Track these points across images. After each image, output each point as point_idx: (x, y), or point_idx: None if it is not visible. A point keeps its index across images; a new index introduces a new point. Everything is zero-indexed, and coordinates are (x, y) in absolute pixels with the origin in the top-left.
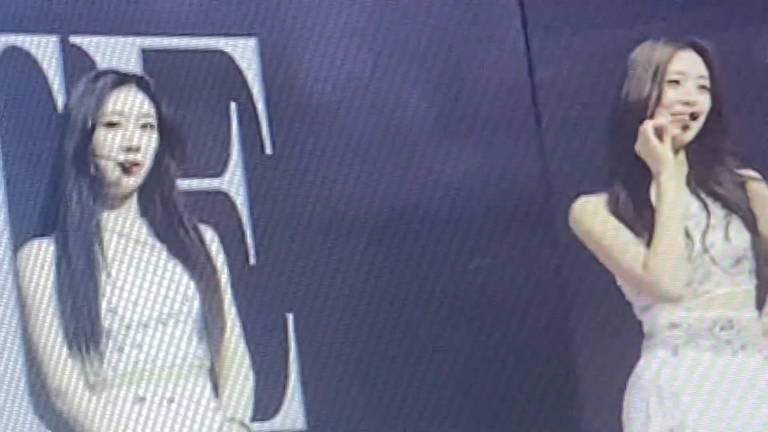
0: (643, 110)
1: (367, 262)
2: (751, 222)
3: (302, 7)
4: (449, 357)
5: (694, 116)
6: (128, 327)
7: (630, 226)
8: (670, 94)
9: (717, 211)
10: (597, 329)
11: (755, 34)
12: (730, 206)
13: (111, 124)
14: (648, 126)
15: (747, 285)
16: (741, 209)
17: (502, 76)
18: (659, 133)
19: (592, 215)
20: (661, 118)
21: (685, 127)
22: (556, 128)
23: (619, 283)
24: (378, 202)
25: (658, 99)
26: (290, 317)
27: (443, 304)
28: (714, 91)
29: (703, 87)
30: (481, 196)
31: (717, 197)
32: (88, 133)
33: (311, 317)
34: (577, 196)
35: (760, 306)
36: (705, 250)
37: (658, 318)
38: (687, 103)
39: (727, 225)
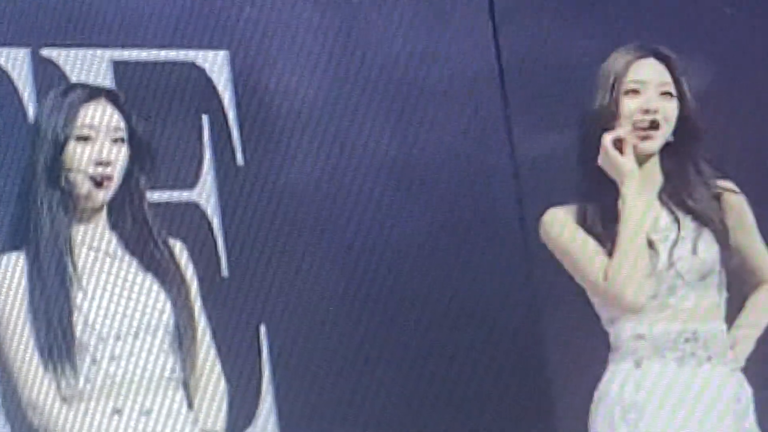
0: (603, 122)
1: (340, 272)
2: (722, 235)
3: (272, 19)
4: (423, 366)
5: (654, 124)
6: (104, 340)
7: (597, 238)
8: (629, 103)
9: (688, 223)
10: (567, 337)
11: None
12: (701, 219)
13: (82, 138)
14: (606, 138)
15: (714, 298)
16: (713, 222)
17: (471, 80)
18: (619, 144)
19: (560, 227)
20: (620, 130)
21: (646, 137)
22: (528, 135)
23: (588, 295)
24: (349, 211)
25: (616, 110)
26: (263, 328)
27: (416, 314)
28: (681, 97)
29: (666, 93)
30: (453, 205)
31: (689, 210)
32: (60, 147)
33: (284, 328)
34: (547, 206)
35: (729, 319)
36: (671, 263)
37: (624, 330)
38: (647, 111)
39: (697, 238)
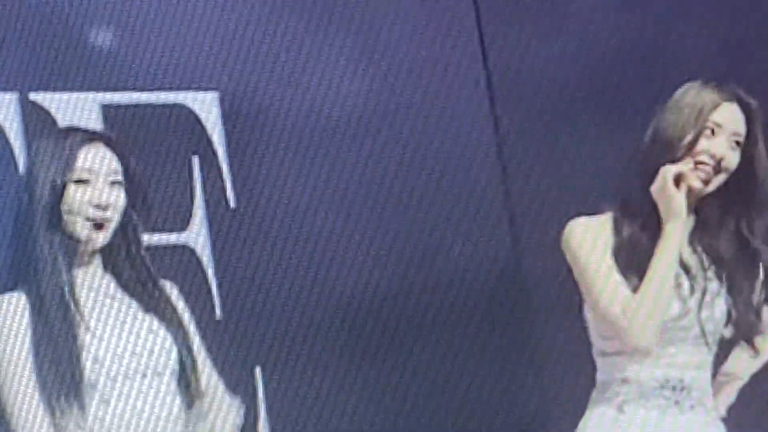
0: (672, 152)
1: (334, 313)
2: (739, 296)
3: (261, 60)
4: (422, 405)
5: (717, 170)
6: (114, 379)
7: (625, 266)
8: (702, 142)
9: (710, 275)
10: (557, 323)
11: None
12: (721, 274)
13: (81, 181)
14: (669, 171)
15: (706, 354)
16: (733, 280)
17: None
18: (677, 180)
19: (587, 245)
20: (683, 165)
21: (707, 181)
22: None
23: (585, 315)
24: (343, 252)
25: (692, 145)
26: (258, 370)
27: (413, 357)
28: (747, 151)
29: (736, 143)
30: (444, 234)
31: (714, 259)
32: (59, 191)
33: (279, 370)
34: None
35: (715, 370)
36: (698, 312)
37: (613, 369)
38: (714, 156)
39: (716, 292)
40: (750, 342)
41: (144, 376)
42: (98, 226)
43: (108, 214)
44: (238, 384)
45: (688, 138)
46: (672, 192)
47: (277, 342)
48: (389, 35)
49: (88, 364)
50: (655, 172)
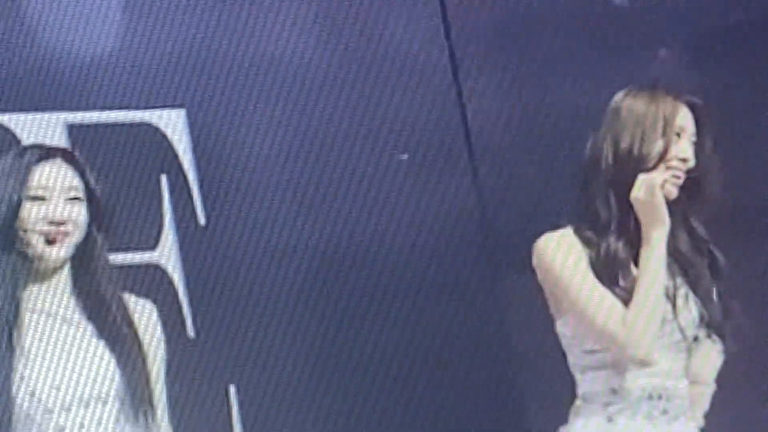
0: (647, 163)
1: (307, 329)
2: (704, 294)
3: (228, 76)
4: (400, 424)
5: (688, 173)
6: (50, 411)
7: (604, 277)
8: (671, 148)
9: (677, 278)
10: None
11: None
12: (687, 274)
13: (36, 198)
14: (654, 180)
15: (684, 360)
16: (698, 278)
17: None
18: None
19: (564, 260)
20: (661, 174)
21: (677, 184)
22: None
23: (559, 331)
24: (315, 269)
25: (665, 153)
26: (233, 388)
27: (391, 372)
28: (699, 150)
29: (694, 143)
30: (421, 249)
31: (678, 262)
32: (14, 208)
33: (254, 388)
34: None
35: (688, 375)
36: (675, 317)
37: (598, 381)
38: (683, 160)
39: (687, 294)
40: (722, 338)
41: (86, 406)
42: (50, 241)
43: (63, 229)
44: (213, 403)
45: (659, 146)
46: (659, 200)
47: (251, 360)
48: (366, 42)
49: (25, 396)
50: (625, 183)
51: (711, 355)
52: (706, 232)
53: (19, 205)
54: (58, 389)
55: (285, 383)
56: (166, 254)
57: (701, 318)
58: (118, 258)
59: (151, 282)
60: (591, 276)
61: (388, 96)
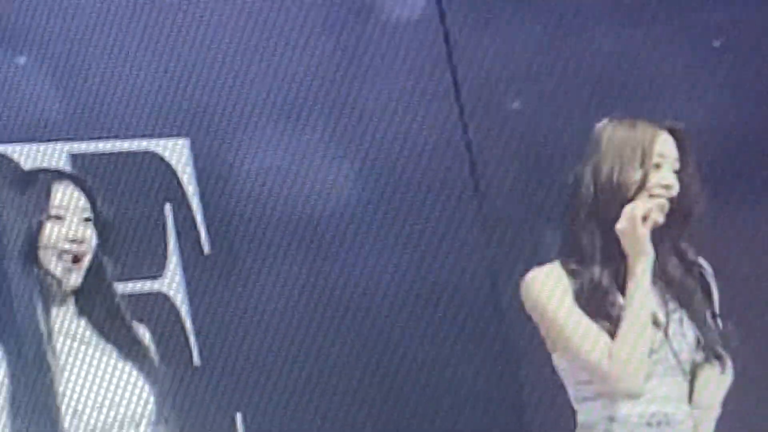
0: (626, 192)
1: (313, 356)
2: (699, 317)
3: (231, 104)
4: None
5: (671, 201)
6: (92, 431)
7: (591, 310)
8: (652, 177)
9: (670, 304)
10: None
11: None
12: (680, 298)
13: (55, 217)
14: (637, 209)
15: (684, 384)
16: (691, 301)
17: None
18: (644, 218)
19: (551, 296)
20: (647, 204)
21: (662, 212)
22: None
23: (555, 365)
24: (319, 296)
25: (644, 182)
26: (239, 416)
27: (398, 400)
28: (682, 176)
29: (675, 171)
30: (426, 263)
31: (670, 287)
32: (35, 228)
33: (260, 415)
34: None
35: (691, 399)
36: (669, 344)
37: (596, 410)
38: (666, 187)
39: (681, 319)
40: (720, 360)
41: (121, 427)
42: (75, 259)
43: (83, 248)
44: (220, 430)
45: (638, 176)
46: (640, 231)
47: (257, 387)
48: (373, 73)
49: (67, 417)
50: (608, 214)
51: (712, 380)
52: (696, 254)
53: (40, 225)
54: (99, 409)
55: (291, 410)
56: (171, 283)
57: (697, 342)
58: (123, 287)
59: (156, 310)
60: (576, 310)
61: (395, 126)
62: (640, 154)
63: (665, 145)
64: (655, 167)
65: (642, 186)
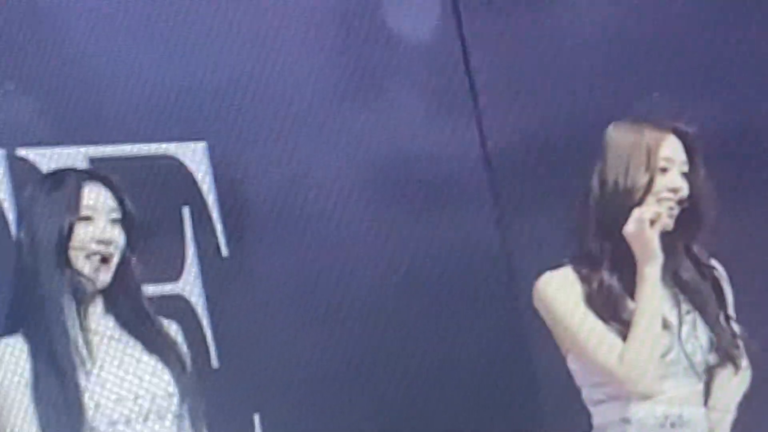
0: (633, 196)
1: (331, 357)
2: (712, 319)
3: (249, 108)
4: None
5: (681, 203)
6: (114, 423)
7: (603, 313)
8: (658, 180)
9: (683, 306)
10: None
11: None
12: (694, 301)
13: (84, 218)
14: (645, 214)
15: (699, 385)
16: (705, 304)
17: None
18: (652, 222)
19: (563, 300)
20: (654, 207)
21: (671, 215)
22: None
23: (570, 367)
24: (339, 297)
25: (650, 186)
26: (257, 417)
27: (416, 400)
28: (693, 178)
29: (684, 174)
30: (442, 269)
31: (683, 290)
32: (65, 229)
33: (278, 416)
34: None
35: (705, 400)
36: (681, 346)
37: (611, 412)
38: (674, 190)
39: (695, 321)
40: (734, 361)
41: (145, 420)
42: (104, 259)
43: (111, 249)
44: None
45: (644, 180)
46: (648, 235)
47: (275, 389)
48: (381, 73)
49: (90, 409)
50: (616, 219)
51: (726, 382)
52: (709, 257)
53: (71, 225)
54: (121, 402)
55: (309, 411)
56: (190, 285)
57: (711, 344)
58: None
59: (174, 313)
60: (588, 313)
61: (413, 131)
62: (645, 158)
63: (672, 148)
64: (662, 171)
65: (649, 190)
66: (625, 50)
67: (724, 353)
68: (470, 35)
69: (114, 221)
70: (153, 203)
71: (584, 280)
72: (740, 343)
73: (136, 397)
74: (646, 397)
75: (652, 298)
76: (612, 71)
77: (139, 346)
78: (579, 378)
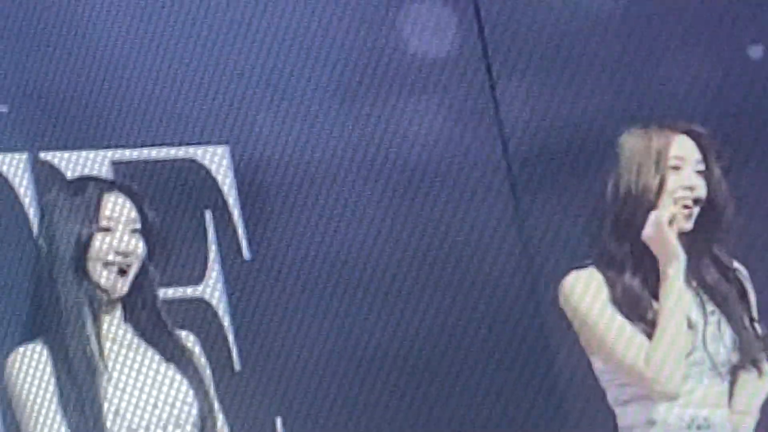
0: (648, 199)
1: (353, 361)
2: (736, 320)
3: (271, 112)
4: None
5: (697, 201)
6: (134, 431)
7: (628, 314)
8: (671, 179)
9: (711, 307)
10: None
11: None
12: (717, 302)
13: (103, 229)
14: (662, 216)
15: (723, 385)
16: (728, 305)
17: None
18: (669, 223)
19: (590, 300)
20: (670, 208)
21: (689, 215)
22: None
23: (595, 367)
24: (360, 300)
25: (663, 186)
26: (279, 421)
27: (436, 407)
28: (709, 177)
29: (700, 172)
30: (465, 271)
31: (706, 291)
32: (84, 239)
33: (300, 420)
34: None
35: (730, 403)
36: (705, 346)
37: (636, 414)
38: (689, 188)
39: (719, 321)
40: (756, 364)
41: (165, 428)
42: (122, 271)
43: (129, 260)
44: None
45: (655, 181)
46: (668, 236)
47: (297, 392)
48: (404, 79)
49: (109, 417)
50: (634, 223)
51: (749, 384)
52: (731, 258)
53: (90, 237)
54: (140, 410)
55: (331, 415)
56: (212, 289)
57: (735, 345)
58: (164, 293)
59: (196, 316)
60: (614, 313)
61: (434, 133)
62: (655, 160)
63: (683, 147)
64: (674, 169)
65: (662, 190)
66: (647, 58)
67: (747, 354)
68: (492, 41)
69: (134, 231)
70: (175, 207)
71: (608, 281)
72: (764, 344)
73: (155, 406)
74: (671, 397)
75: (677, 298)
76: (633, 77)
77: (156, 355)
78: (604, 379)
